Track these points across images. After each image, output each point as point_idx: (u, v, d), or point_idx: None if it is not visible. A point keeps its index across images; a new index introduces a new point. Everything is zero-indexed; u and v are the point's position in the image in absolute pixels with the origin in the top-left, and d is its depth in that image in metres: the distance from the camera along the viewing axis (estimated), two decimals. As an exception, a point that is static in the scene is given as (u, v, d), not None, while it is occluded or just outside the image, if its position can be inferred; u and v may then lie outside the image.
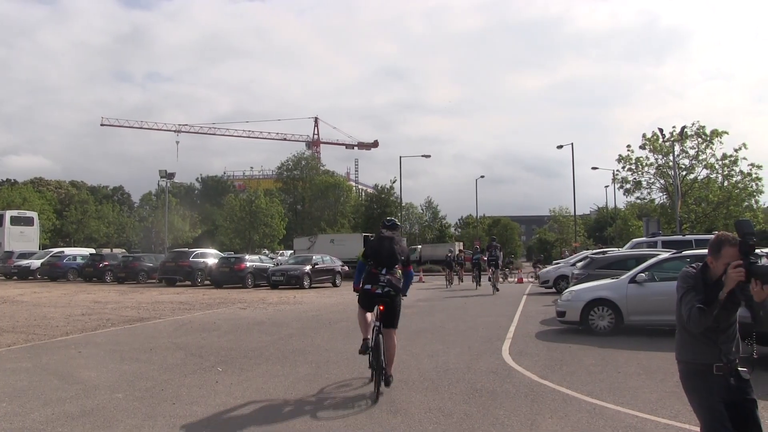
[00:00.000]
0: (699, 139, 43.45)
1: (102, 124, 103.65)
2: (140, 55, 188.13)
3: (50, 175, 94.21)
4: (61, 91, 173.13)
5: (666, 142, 41.81)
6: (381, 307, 7.03)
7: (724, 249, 3.46)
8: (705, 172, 44.63)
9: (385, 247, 7.21)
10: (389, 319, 7.15)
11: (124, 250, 55.66)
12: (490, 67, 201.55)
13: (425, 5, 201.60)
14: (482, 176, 71.16)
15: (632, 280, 11.86)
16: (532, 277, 35.64)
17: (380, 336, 6.98)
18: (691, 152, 44.21)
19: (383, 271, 7.08)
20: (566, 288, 15.41)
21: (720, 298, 3.37)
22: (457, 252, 35.98)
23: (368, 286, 7.10)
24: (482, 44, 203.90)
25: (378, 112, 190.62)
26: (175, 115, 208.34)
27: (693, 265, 3.66)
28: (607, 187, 58.88)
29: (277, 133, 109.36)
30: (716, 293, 3.39)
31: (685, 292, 3.52)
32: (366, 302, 7.17)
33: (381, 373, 6.84)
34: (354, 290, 7.48)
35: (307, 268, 27.77)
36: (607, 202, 66.57)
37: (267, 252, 52.76)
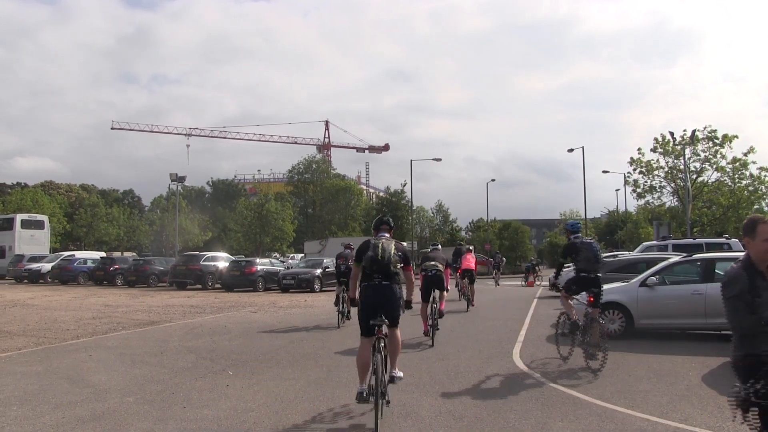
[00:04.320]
0: (710, 143, 43.23)
1: (113, 128, 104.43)
2: (145, 56, 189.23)
3: (58, 177, 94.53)
4: (65, 92, 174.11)
5: (677, 145, 41.62)
6: None
7: (759, 227, 3.57)
8: (716, 175, 44.51)
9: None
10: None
11: (134, 254, 55.86)
12: (498, 68, 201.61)
13: (431, 6, 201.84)
14: (493, 179, 71.31)
15: (643, 284, 11.77)
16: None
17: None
18: (702, 155, 44.04)
19: None
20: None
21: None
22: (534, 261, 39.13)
23: None
24: (489, 46, 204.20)
25: (386, 115, 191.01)
26: (182, 117, 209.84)
27: (734, 262, 3.65)
28: (618, 190, 58.62)
29: (288, 137, 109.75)
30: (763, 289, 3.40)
31: (731, 297, 3.48)
32: None
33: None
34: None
35: (318, 271, 27.72)
36: (618, 206, 66.25)
37: (277, 255, 52.87)
